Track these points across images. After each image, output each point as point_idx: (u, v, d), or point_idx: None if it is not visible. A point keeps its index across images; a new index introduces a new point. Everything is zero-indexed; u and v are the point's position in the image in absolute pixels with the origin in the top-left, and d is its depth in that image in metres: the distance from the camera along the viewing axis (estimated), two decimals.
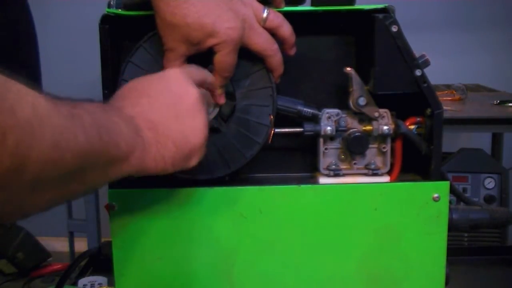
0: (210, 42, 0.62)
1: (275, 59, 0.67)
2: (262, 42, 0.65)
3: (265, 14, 0.66)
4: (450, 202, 0.71)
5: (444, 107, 0.69)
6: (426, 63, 0.69)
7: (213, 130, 0.67)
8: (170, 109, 0.59)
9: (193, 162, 0.61)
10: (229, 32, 0.62)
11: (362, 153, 0.72)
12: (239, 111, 0.69)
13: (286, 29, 0.67)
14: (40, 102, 0.43)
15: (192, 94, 0.60)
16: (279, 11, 0.68)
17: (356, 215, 0.70)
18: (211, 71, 0.66)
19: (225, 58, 0.64)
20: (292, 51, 0.70)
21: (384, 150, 0.72)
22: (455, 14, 2.74)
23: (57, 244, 2.83)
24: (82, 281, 1.01)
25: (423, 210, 0.70)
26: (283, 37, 0.68)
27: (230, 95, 0.69)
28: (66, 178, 0.47)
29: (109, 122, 0.53)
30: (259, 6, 0.66)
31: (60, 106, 0.46)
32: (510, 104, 2.04)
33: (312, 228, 0.70)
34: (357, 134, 0.71)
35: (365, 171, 0.72)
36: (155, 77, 0.62)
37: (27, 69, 0.96)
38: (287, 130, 0.72)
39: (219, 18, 0.62)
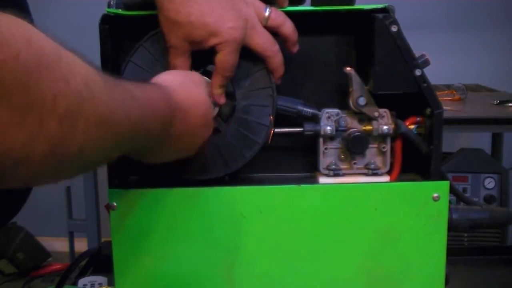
0: (212, 41, 0.63)
1: (276, 59, 0.67)
2: (263, 43, 0.65)
3: (267, 13, 0.66)
4: (450, 202, 0.71)
5: (444, 107, 0.69)
6: (426, 63, 0.69)
7: (213, 130, 0.67)
8: (201, 120, 0.63)
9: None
10: (231, 32, 0.62)
11: (362, 153, 0.72)
12: (239, 111, 0.69)
13: (288, 27, 0.67)
14: (92, 77, 0.44)
15: (209, 115, 0.65)
16: (281, 10, 0.68)
17: (356, 215, 0.70)
18: (211, 70, 0.66)
19: (226, 57, 0.64)
20: (295, 49, 0.70)
21: (384, 150, 0.72)
22: (455, 14, 2.74)
23: (57, 244, 2.83)
24: (82, 281, 1.01)
25: (423, 210, 0.70)
26: (285, 35, 0.68)
27: (230, 95, 0.69)
28: (99, 161, 0.50)
29: (150, 103, 0.55)
30: (261, 5, 0.66)
31: (114, 87, 0.47)
32: (510, 104, 2.04)
33: (312, 228, 0.70)
34: (357, 134, 0.71)
35: (365, 171, 0.72)
36: (201, 88, 0.65)
37: None
38: (287, 130, 0.72)
39: (222, 18, 0.62)
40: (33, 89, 0.38)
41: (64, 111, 0.41)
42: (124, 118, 0.49)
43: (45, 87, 0.39)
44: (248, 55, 0.66)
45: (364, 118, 0.72)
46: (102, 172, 2.10)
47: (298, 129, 0.72)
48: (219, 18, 0.62)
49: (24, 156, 0.39)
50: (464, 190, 2.05)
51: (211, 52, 0.64)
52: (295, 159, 0.77)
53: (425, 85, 0.69)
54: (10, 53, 0.36)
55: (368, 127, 0.71)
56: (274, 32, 0.67)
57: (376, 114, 0.71)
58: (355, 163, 0.73)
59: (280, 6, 0.68)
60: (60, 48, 0.42)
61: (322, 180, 0.72)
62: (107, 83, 0.46)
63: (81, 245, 2.43)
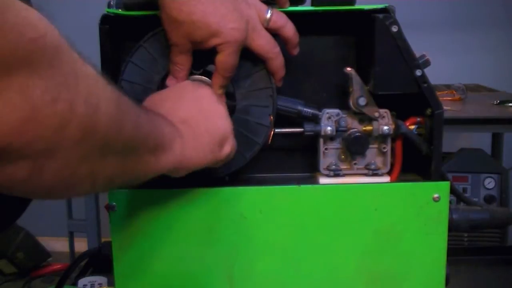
0: (213, 41, 0.62)
1: (277, 61, 0.67)
2: (264, 44, 0.65)
3: (268, 15, 0.66)
4: (450, 202, 0.71)
5: (444, 107, 0.69)
6: (427, 63, 0.69)
7: None
8: (192, 106, 0.63)
9: (226, 150, 0.64)
10: (232, 33, 0.62)
11: (362, 153, 0.72)
12: (239, 112, 0.69)
13: (289, 29, 0.67)
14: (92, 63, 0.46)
15: (205, 92, 0.64)
16: (282, 11, 0.68)
17: (356, 215, 0.70)
18: (212, 70, 0.66)
19: (227, 58, 0.64)
20: (295, 51, 0.70)
21: (384, 150, 0.72)
22: (455, 14, 2.74)
23: (57, 244, 2.83)
24: (82, 281, 1.01)
25: (423, 210, 0.70)
26: (286, 37, 0.68)
27: (230, 96, 0.69)
28: (125, 151, 0.49)
29: (148, 113, 0.56)
30: (263, 6, 0.66)
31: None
32: (510, 104, 2.03)
33: (312, 228, 0.70)
34: (357, 134, 0.71)
35: (365, 171, 0.72)
36: (167, 90, 0.66)
37: None
38: (287, 130, 0.72)
39: (224, 18, 0.62)
40: (62, 68, 0.39)
41: (87, 93, 0.42)
42: (132, 106, 0.51)
43: (69, 67, 0.40)
44: (248, 55, 0.66)
45: (365, 119, 0.72)
46: None
47: (299, 130, 0.72)
48: (221, 18, 0.62)
49: (56, 144, 0.40)
50: (464, 190, 2.05)
51: (212, 52, 0.64)
52: (295, 159, 0.77)
53: (425, 85, 0.69)
54: (39, 32, 0.38)
55: (369, 128, 0.71)
56: (275, 34, 0.67)
57: (376, 114, 0.71)
58: (355, 164, 0.73)
59: (281, 7, 0.68)
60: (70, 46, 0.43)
61: (322, 180, 0.72)
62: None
63: (81, 245, 2.43)
